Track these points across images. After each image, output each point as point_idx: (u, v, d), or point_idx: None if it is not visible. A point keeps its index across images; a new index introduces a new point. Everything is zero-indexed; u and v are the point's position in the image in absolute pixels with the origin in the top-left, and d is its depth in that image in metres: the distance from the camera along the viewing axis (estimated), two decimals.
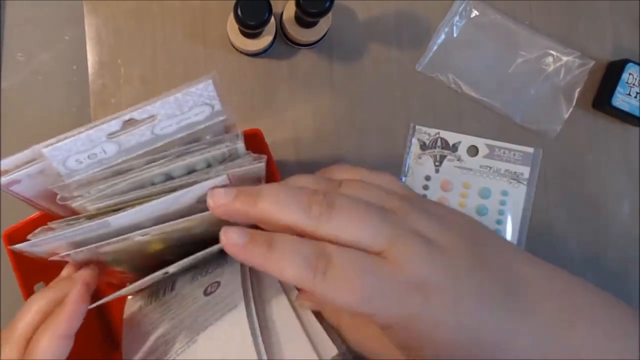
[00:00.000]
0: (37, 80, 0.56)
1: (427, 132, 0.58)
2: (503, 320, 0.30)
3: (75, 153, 0.33)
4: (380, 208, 0.31)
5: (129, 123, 0.32)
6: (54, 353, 0.34)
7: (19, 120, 0.55)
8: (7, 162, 0.33)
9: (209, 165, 0.35)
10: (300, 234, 0.30)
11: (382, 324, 0.30)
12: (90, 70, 0.55)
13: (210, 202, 0.32)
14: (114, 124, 0.32)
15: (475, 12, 0.59)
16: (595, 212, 0.59)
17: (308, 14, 0.50)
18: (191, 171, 0.35)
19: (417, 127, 0.58)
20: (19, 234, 0.40)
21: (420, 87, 0.58)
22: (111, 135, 0.32)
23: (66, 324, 0.34)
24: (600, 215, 0.59)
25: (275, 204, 0.30)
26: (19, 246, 0.34)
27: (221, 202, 0.31)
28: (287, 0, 0.55)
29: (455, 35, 0.59)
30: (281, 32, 0.57)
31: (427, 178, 0.59)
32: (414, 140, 0.59)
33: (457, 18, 0.59)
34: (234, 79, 0.57)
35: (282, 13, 0.56)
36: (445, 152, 0.59)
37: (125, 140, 0.33)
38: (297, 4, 0.50)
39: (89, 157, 0.33)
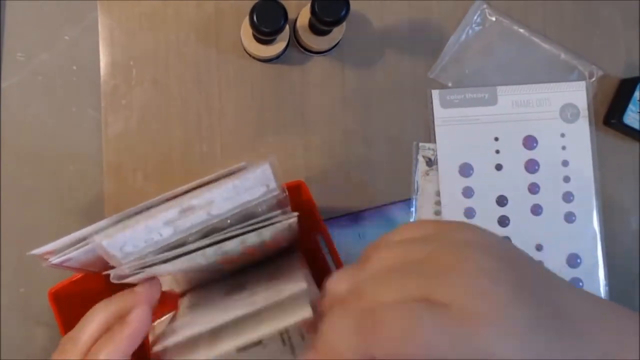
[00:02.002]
0: (37, 80, 0.57)
1: (430, 148, 0.60)
2: (560, 351, 0.30)
3: (132, 240, 0.34)
4: (407, 263, 0.31)
5: (187, 209, 0.34)
6: None
7: (19, 120, 0.57)
8: (58, 243, 0.34)
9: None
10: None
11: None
12: (102, 71, 0.57)
13: None
14: (172, 213, 0.34)
15: (489, 21, 0.61)
16: (604, 228, 0.61)
17: (323, 23, 0.52)
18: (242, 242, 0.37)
19: (420, 144, 0.60)
20: (64, 292, 0.45)
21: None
22: (168, 222, 0.34)
23: (127, 342, 0.36)
24: (608, 230, 0.61)
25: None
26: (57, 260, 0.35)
27: None
28: (300, 5, 0.57)
29: (469, 43, 0.61)
30: (294, 38, 0.58)
31: (439, 193, 0.61)
32: (420, 158, 0.60)
33: (471, 26, 0.61)
34: (245, 84, 0.58)
35: (295, 20, 0.57)
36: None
37: (181, 224, 0.35)
38: (313, 12, 0.51)
39: (145, 241, 0.35)
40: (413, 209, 0.60)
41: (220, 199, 0.35)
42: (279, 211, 0.37)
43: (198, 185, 0.36)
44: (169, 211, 0.34)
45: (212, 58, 0.58)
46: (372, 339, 0.29)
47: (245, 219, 0.37)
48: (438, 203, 0.61)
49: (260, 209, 0.38)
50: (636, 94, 0.60)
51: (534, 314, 0.30)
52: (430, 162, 0.60)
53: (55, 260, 0.35)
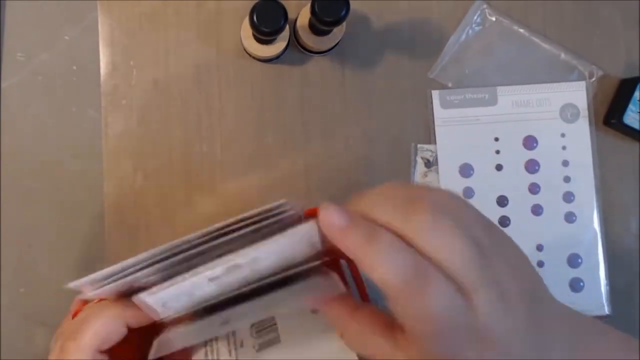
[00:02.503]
0: (37, 80, 0.58)
1: (429, 150, 0.61)
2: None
3: (176, 296, 0.35)
4: (474, 241, 0.31)
5: (233, 267, 0.34)
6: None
7: (19, 120, 0.57)
8: (95, 277, 0.35)
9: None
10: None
11: (419, 345, 0.31)
12: (102, 71, 0.57)
13: (322, 219, 0.32)
14: (218, 271, 0.34)
15: (489, 21, 0.62)
16: (603, 229, 0.62)
17: (323, 23, 0.52)
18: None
19: (418, 145, 0.61)
20: None
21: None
22: (213, 279, 0.34)
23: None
24: (608, 231, 0.62)
25: (376, 208, 0.32)
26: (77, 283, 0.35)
27: (331, 221, 0.32)
28: (300, 5, 0.57)
29: (469, 43, 0.61)
30: (294, 38, 0.59)
31: None
32: (418, 159, 0.61)
33: (471, 26, 0.61)
34: (245, 84, 0.59)
35: (295, 19, 0.58)
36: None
37: (225, 281, 0.35)
38: (313, 12, 0.52)
39: (187, 296, 0.35)
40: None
41: (265, 256, 0.35)
42: (322, 283, 0.37)
43: (235, 222, 0.35)
44: (215, 269, 0.34)
45: (212, 58, 0.58)
46: (413, 297, 0.30)
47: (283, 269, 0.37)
48: None
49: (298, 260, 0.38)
50: (636, 94, 0.60)
51: (540, 345, 0.32)
52: (429, 164, 0.61)
53: (92, 293, 0.36)
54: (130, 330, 0.38)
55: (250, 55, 0.59)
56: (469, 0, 0.61)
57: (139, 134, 0.58)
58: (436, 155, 0.61)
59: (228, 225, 0.35)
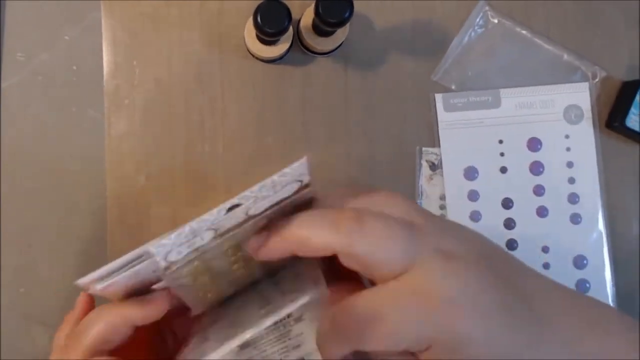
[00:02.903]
0: (37, 80, 0.58)
1: (433, 152, 0.61)
2: (526, 336, 0.32)
3: (178, 246, 0.35)
4: (402, 226, 0.33)
5: (231, 208, 0.34)
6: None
7: (19, 120, 0.58)
8: (102, 271, 0.34)
9: None
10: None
11: (419, 347, 0.32)
12: (105, 70, 0.58)
13: (250, 250, 0.35)
14: (215, 213, 0.34)
15: (491, 23, 0.62)
16: (608, 230, 0.62)
17: (327, 24, 0.53)
18: None
19: (423, 149, 0.61)
20: None
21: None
22: (211, 224, 0.35)
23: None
24: (611, 232, 0.62)
25: (305, 227, 0.33)
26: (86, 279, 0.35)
27: (255, 244, 0.35)
28: (304, 6, 0.58)
29: (471, 45, 0.62)
30: (297, 39, 0.60)
31: (443, 197, 0.62)
32: (423, 163, 0.62)
33: (473, 29, 0.62)
34: (248, 84, 0.59)
35: (299, 20, 0.58)
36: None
37: (222, 225, 0.35)
38: (316, 13, 0.52)
39: (188, 246, 0.36)
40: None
41: (260, 197, 0.35)
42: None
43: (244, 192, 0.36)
44: (213, 211, 0.34)
45: (215, 58, 0.59)
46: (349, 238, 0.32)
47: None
48: (442, 207, 0.62)
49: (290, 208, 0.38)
50: (638, 97, 0.61)
51: (501, 298, 0.32)
52: (434, 167, 0.62)
53: (99, 286, 0.35)
54: (139, 329, 0.38)
55: (253, 56, 0.59)
56: (472, 1, 0.62)
57: (141, 133, 0.58)
58: (441, 159, 0.61)
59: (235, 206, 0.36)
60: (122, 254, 0.56)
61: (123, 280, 0.36)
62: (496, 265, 0.34)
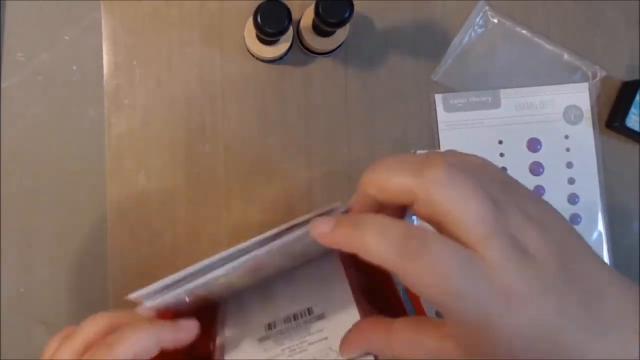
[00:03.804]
0: (37, 80, 0.59)
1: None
2: (582, 337, 0.31)
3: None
4: (488, 195, 0.32)
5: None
6: None
7: (19, 120, 0.59)
8: (150, 289, 0.37)
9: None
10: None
11: (455, 321, 0.32)
12: (105, 70, 0.59)
13: (313, 232, 0.35)
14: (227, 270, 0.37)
15: (491, 23, 0.64)
16: (608, 230, 0.64)
17: (327, 24, 0.54)
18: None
19: (418, 151, 0.63)
20: None
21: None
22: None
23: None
24: (610, 234, 0.64)
25: (385, 171, 0.34)
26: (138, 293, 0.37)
27: (321, 230, 0.35)
28: (304, 6, 0.60)
29: (471, 45, 0.64)
30: (298, 39, 0.61)
31: None
32: None
33: (473, 29, 0.64)
34: (248, 84, 0.61)
35: (299, 20, 0.60)
36: None
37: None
38: (316, 13, 0.54)
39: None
40: (414, 217, 0.63)
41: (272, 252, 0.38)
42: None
43: (289, 227, 0.38)
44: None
45: (216, 58, 0.61)
46: (411, 264, 0.31)
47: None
48: None
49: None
50: (638, 97, 0.63)
51: (572, 296, 0.31)
52: None
53: (149, 304, 0.38)
54: (162, 353, 0.39)
55: (253, 56, 0.61)
56: (472, 1, 0.64)
57: (141, 133, 0.60)
58: None
59: (283, 231, 0.38)
60: (122, 253, 0.58)
61: (172, 298, 0.38)
62: (571, 264, 0.32)
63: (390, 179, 0.33)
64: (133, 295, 0.37)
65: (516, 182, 0.36)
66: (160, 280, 0.37)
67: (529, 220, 0.33)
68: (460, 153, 0.36)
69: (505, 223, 0.32)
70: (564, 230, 0.34)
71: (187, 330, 0.40)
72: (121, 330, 0.38)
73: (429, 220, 0.33)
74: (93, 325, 0.40)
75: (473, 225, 0.31)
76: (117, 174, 0.59)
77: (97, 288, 0.58)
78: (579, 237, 0.35)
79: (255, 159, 0.61)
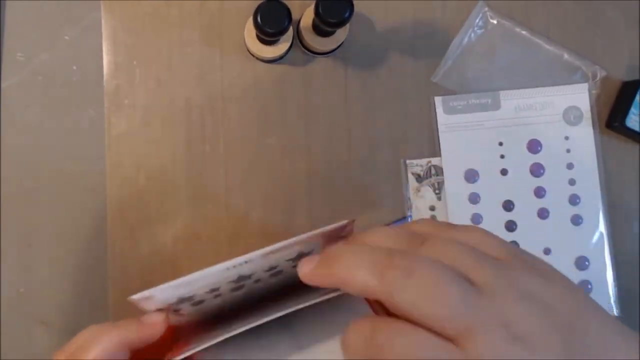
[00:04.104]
0: (37, 80, 0.60)
1: (418, 164, 0.64)
2: None
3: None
4: (464, 283, 0.30)
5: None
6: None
7: (19, 120, 0.60)
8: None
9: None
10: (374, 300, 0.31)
11: None
12: (105, 70, 0.60)
13: (300, 274, 0.34)
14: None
15: (491, 24, 0.65)
16: (610, 230, 0.64)
17: (327, 24, 0.55)
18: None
19: (407, 161, 0.64)
20: None
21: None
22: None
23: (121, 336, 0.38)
24: (611, 234, 0.64)
25: (347, 268, 0.31)
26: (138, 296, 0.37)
27: (305, 270, 0.34)
28: (304, 6, 0.60)
29: (471, 46, 0.65)
30: (298, 39, 0.62)
31: (432, 208, 0.64)
32: (409, 175, 0.64)
33: (473, 29, 0.64)
34: (248, 84, 0.62)
35: (299, 20, 0.61)
36: (441, 178, 0.64)
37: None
38: (316, 13, 0.54)
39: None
40: (410, 217, 0.63)
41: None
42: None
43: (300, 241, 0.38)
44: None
45: (216, 58, 0.61)
46: (375, 357, 0.29)
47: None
48: (433, 218, 0.64)
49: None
50: (638, 97, 0.63)
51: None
52: (420, 179, 0.64)
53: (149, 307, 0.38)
54: (135, 353, 0.39)
55: (253, 56, 0.61)
56: (472, 1, 0.64)
57: (141, 133, 0.60)
58: (427, 169, 0.64)
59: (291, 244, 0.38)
60: (122, 253, 0.58)
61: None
62: (574, 342, 0.30)
63: (350, 277, 0.31)
64: (136, 297, 0.37)
65: (516, 255, 0.33)
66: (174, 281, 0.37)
67: (529, 301, 0.30)
68: (445, 226, 0.35)
69: (492, 312, 0.29)
70: (572, 308, 0.31)
71: (152, 326, 0.39)
72: (82, 341, 0.38)
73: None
74: (79, 339, 0.39)
75: (447, 326, 0.28)
76: (117, 173, 0.60)
77: (97, 288, 0.59)
78: (594, 311, 0.32)
79: (255, 159, 0.62)
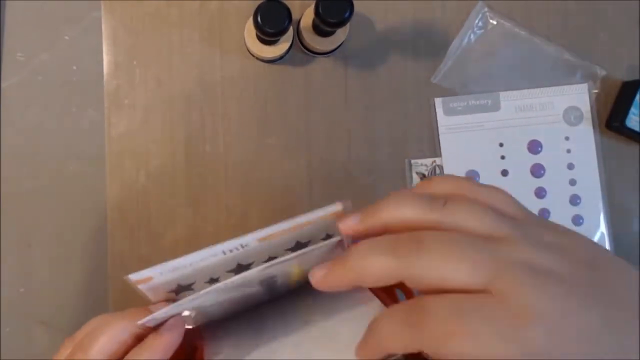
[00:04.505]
0: (37, 80, 0.61)
1: (423, 164, 0.64)
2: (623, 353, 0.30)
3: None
4: (480, 238, 0.31)
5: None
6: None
7: (19, 120, 0.60)
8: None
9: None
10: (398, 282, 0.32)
11: None
12: (105, 70, 0.61)
13: (312, 282, 0.36)
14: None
15: (490, 25, 0.65)
16: (611, 230, 0.65)
17: (327, 24, 0.56)
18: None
19: (412, 161, 0.64)
20: None
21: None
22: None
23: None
24: (612, 234, 0.65)
25: (362, 259, 0.33)
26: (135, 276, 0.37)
27: (318, 276, 0.35)
28: (304, 6, 0.61)
29: (471, 47, 0.65)
30: (298, 39, 0.63)
31: None
32: (414, 175, 0.64)
33: (472, 30, 0.65)
34: (248, 84, 0.62)
35: (299, 20, 0.61)
36: None
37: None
38: (316, 13, 0.55)
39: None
40: None
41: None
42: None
43: (292, 227, 0.38)
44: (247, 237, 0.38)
45: (216, 58, 0.62)
46: (418, 334, 0.30)
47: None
48: None
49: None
50: (638, 97, 0.64)
51: (602, 317, 0.30)
52: (425, 178, 0.64)
53: (145, 286, 0.38)
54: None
55: (253, 56, 0.62)
56: (472, 1, 0.65)
57: (141, 133, 0.61)
58: (431, 168, 0.64)
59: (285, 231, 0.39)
60: (122, 253, 0.59)
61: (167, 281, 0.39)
62: (599, 278, 0.31)
63: (368, 266, 0.33)
64: (133, 276, 0.37)
65: (532, 215, 0.35)
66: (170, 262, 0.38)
67: (548, 247, 0.31)
68: (466, 185, 0.36)
69: (514, 255, 0.31)
70: (590, 251, 0.33)
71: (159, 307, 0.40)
72: (92, 332, 0.39)
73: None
74: (87, 327, 0.40)
75: (469, 278, 0.30)
76: (117, 174, 0.61)
77: (97, 288, 0.59)
78: (610, 255, 0.34)
79: (255, 159, 0.62)
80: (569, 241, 0.33)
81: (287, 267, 0.39)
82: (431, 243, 0.31)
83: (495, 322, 0.29)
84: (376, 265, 0.32)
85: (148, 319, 0.37)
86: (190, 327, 0.43)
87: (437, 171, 0.64)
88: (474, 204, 0.34)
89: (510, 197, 0.36)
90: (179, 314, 0.39)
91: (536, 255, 0.31)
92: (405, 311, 0.31)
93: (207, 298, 0.39)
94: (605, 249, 0.35)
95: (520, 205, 0.35)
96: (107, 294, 0.59)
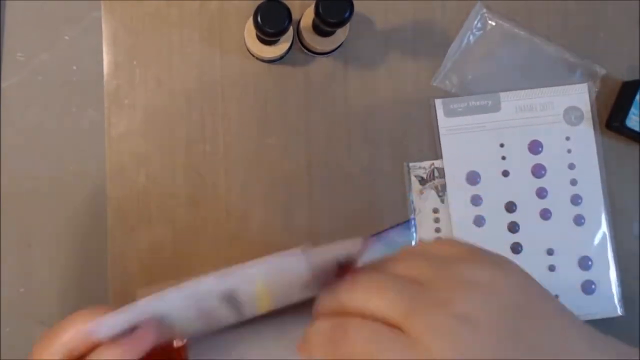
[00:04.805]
0: (37, 80, 0.61)
1: (422, 167, 0.65)
2: None
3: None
4: (406, 282, 0.35)
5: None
6: None
7: (19, 120, 0.61)
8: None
9: None
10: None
11: None
12: (105, 70, 0.61)
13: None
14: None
15: (489, 26, 0.66)
16: (612, 230, 0.65)
17: (327, 24, 0.56)
18: None
19: (410, 164, 0.65)
20: None
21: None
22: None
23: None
24: (613, 234, 0.66)
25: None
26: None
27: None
28: (304, 6, 0.62)
29: (470, 48, 0.66)
30: (298, 39, 0.63)
31: (436, 211, 0.65)
32: (412, 178, 0.65)
33: (472, 32, 0.66)
34: (248, 84, 0.63)
35: (299, 20, 0.62)
36: (444, 180, 0.65)
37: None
38: (316, 13, 0.56)
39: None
40: (413, 229, 0.65)
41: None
42: None
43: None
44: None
45: (216, 58, 0.63)
46: (337, 351, 0.34)
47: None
48: (437, 220, 0.65)
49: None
50: (638, 97, 0.64)
51: None
52: (423, 181, 0.65)
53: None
54: None
55: (253, 56, 0.63)
56: (472, 1, 0.65)
57: (141, 134, 0.62)
58: (430, 171, 0.65)
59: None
60: (122, 253, 0.60)
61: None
62: (520, 327, 0.33)
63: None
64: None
65: (474, 251, 0.38)
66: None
67: (472, 287, 0.34)
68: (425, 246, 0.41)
69: (430, 296, 0.33)
70: (525, 295, 0.35)
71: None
72: (57, 329, 0.39)
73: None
74: (71, 329, 0.40)
75: (389, 313, 0.33)
76: (117, 174, 0.61)
77: (97, 288, 0.60)
78: (550, 302, 0.36)
79: (255, 158, 0.63)
80: (505, 282, 0.35)
81: (249, 284, 0.39)
82: (367, 282, 0.36)
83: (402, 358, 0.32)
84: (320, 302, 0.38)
85: (94, 327, 0.38)
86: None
87: (436, 174, 0.65)
88: (421, 256, 0.38)
89: (458, 241, 0.39)
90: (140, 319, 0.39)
91: (455, 296, 0.33)
92: (330, 327, 0.35)
93: (166, 307, 0.38)
94: (539, 285, 0.36)
95: (464, 244, 0.39)
96: (107, 294, 0.60)
